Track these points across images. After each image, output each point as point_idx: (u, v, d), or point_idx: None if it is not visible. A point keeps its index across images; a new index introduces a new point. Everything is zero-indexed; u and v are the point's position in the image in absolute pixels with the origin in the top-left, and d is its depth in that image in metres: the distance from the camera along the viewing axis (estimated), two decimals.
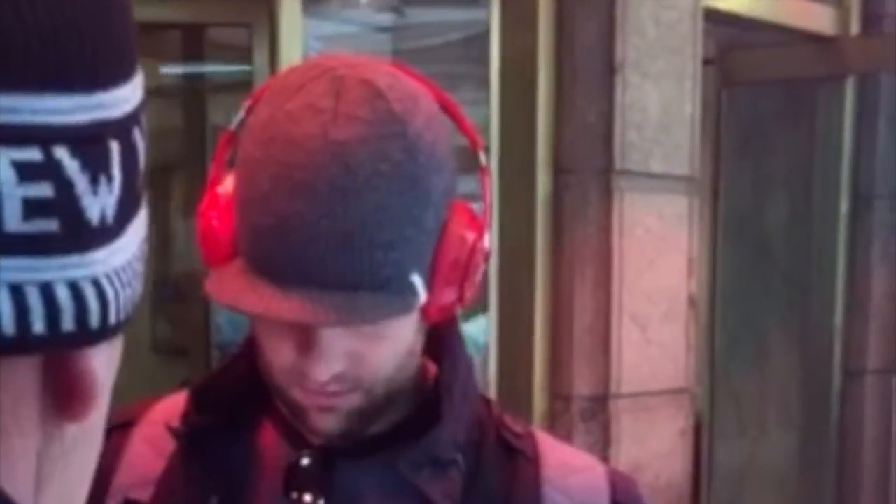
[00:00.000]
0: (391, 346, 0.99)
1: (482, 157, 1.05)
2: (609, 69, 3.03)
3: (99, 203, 0.41)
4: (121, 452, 1.11)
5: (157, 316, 4.91)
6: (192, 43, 4.33)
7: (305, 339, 0.96)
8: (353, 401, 1.00)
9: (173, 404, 1.11)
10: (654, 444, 3.22)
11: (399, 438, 1.04)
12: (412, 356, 1.04)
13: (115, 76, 0.42)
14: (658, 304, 3.19)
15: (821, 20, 4.11)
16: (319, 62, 0.97)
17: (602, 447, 3.12)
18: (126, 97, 0.43)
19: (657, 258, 3.17)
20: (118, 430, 1.13)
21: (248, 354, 1.05)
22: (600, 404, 3.11)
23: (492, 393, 3.20)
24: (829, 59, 4.15)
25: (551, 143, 3.10)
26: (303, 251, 0.91)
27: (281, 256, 0.92)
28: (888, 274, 4.35)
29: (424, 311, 0.99)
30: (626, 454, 3.14)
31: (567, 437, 3.11)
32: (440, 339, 1.09)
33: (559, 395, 3.14)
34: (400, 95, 0.95)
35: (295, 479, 1.05)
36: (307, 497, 1.04)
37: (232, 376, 1.08)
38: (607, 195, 3.06)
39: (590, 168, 3.07)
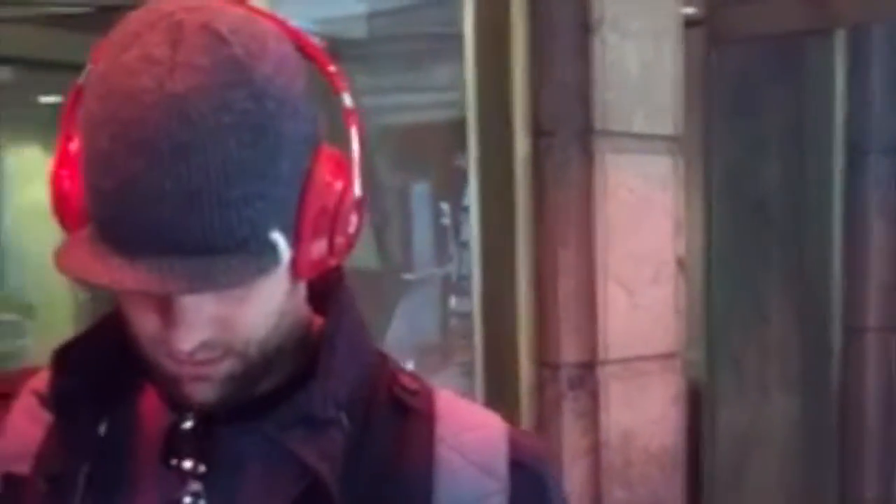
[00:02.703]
0: (259, 308, 0.93)
1: (346, 100, 0.97)
2: (585, 28, 2.96)
3: None
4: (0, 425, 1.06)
5: None
6: None
7: (165, 307, 0.90)
8: (227, 367, 0.94)
9: None
10: (646, 411, 3.17)
11: (282, 399, 0.98)
12: (286, 315, 0.97)
13: None
14: (645, 267, 3.13)
15: None
16: (157, 7, 0.89)
17: (591, 415, 3.07)
18: None
19: (642, 220, 3.10)
20: None
21: (116, 317, 0.99)
22: (588, 371, 3.06)
23: (478, 363, 3.16)
24: (818, 12, 4.07)
25: (529, 105, 3.03)
26: (148, 215, 0.84)
27: (125, 221, 0.85)
28: (886, 229, 4.29)
29: (294, 267, 0.92)
30: (617, 421, 3.09)
31: (556, 406, 3.07)
32: (326, 292, 1.03)
33: (546, 363, 3.09)
34: (245, 39, 0.88)
35: (174, 445, 0.99)
36: (187, 464, 0.99)
37: (98, 338, 1.02)
38: (588, 157, 2.99)
39: (569, 129, 3.00)
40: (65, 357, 1.01)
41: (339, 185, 0.93)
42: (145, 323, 0.93)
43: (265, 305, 0.93)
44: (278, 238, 0.88)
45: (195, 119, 0.84)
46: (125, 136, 0.84)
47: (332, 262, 0.95)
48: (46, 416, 1.02)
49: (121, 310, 0.96)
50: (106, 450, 1.01)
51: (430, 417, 1.04)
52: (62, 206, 0.94)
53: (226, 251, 0.86)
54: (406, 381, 1.06)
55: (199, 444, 0.99)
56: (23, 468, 1.03)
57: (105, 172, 0.86)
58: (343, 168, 0.94)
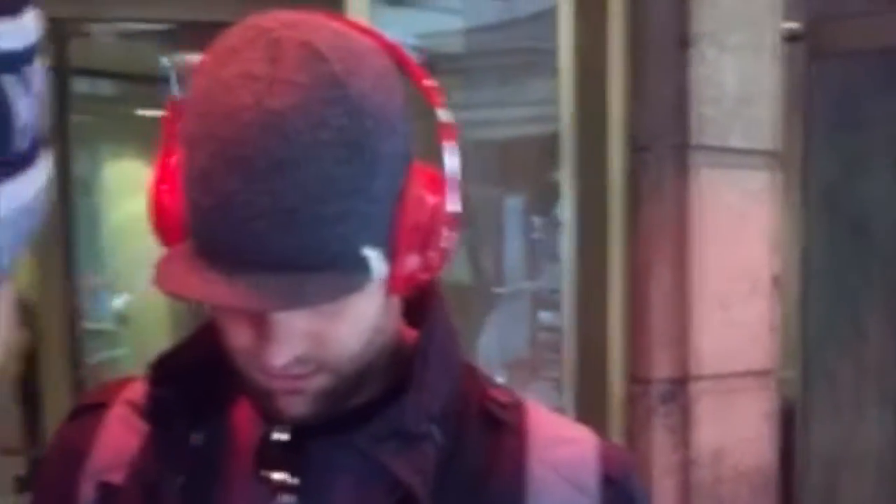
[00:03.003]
0: (352, 324, 0.93)
1: (441, 115, 0.97)
2: (683, 42, 2.94)
3: None
4: (95, 434, 1.08)
5: None
6: None
7: (259, 322, 0.91)
8: (320, 382, 0.95)
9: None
10: (738, 428, 3.13)
11: (375, 412, 0.99)
12: (380, 332, 0.98)
13: None
14: (740, 283, 3.09)
15: None
16: (257, 23, 0.89)
17: (682, 431, 3.04)
18: None
19: (738, 236, 3.07)
20: (91, 410, 1.10)
21: (212, 329, 1.00)
22: (680, 387, 3.03)
23: (568, 377, 3.15)
24: None
25: (625, 120, 3.02)
26: (244, 232, 0.85)
27: (223, 238, 0.86)
28: None
29: (387, 283, 0.93)
30: (708, 438, 3.06)
31: (646, 421, 3.04)
32: (420, 306, 1.03)
33: (637, 378, 3.07)
34: (342, 55, 0.88)
35: (267, 457, 1.00)
36: (279, 476, 1.00)
37: (194, 350, 1.03)
38: (684, 172, 2.97)
39: (666, 144, 2.98)
40: (161, 368, 1.02)
41: (432, 200, 0.93)
42: (239, 337, 0.93)
43: (358, 321, 0.94)
44: (371, 254, 0.89)
45: (292, 136, 0.84)
46: (223, 153, 0.84)
47: (426, 277, 0.95)
48: (142, 426, 1.03)
49: (215, 322, 0.97)
50: (200, 460, 1.02)
51: (522, 432, 1.04)
52: (161, 221, 0.95)
53: (320, 268, 0.86)
54: (497, 394, 1.06)
55: (291, 457, 1.00)
56: (118, 478, 1.04)
57: (204, 189, 0.86)
58: (437, 183, 0.94)
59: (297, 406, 0.96)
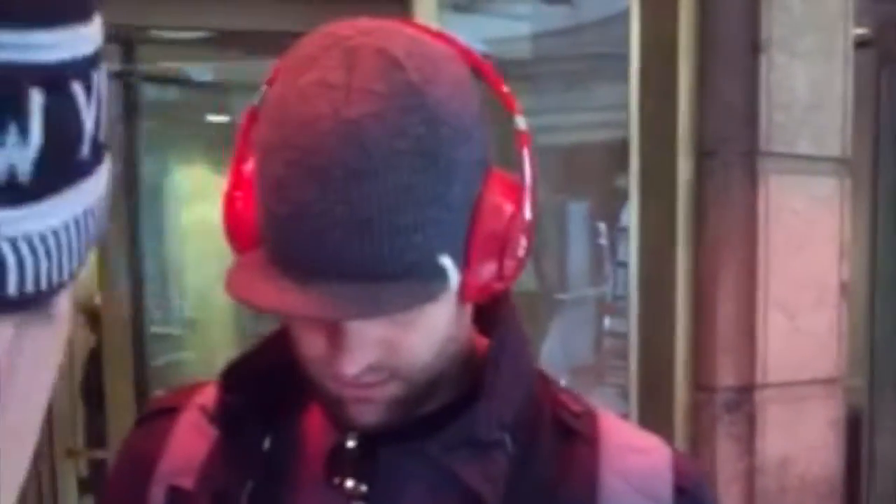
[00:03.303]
0: (426, 333, 0.93)
1: (519, 122, 0.96)
2: (753, 47, 2.92)
3: (4, 157, 0.37)
4: (166, 438, 1.08)
5: None
6: None
7: (332, 331, 0.91)
8: (392, 391, 0.94)
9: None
10: (804, 437, 3.11)
11: (446, 420, 0.98)
12: (453, 341, 0.97)
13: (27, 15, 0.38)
14: (807, 290, 3.07)
15: None
16: (333, 31, 0.89)
17: (747, 439, 3.02)
18: (53, 42, 0.39)
19: (806, 243, 3.05)
20: (163, 415, 1.11)
21: (284, 335, 1.00)
22: (746, 395, 3.01)
23: (633, 384, 3.14)
24: None
25: (693, 126, 3.01)
26: (319, 241, 0.85)
27: (297, 247, 0.86)
28: None
29: (462, 292, 0.92)
30: (773, 446, 3.04)
31: (711, 430, 3.03)
32: (491, 313, 1.02)
33: (702, 386, 3.05)
34: (419, 63, 0.87)
35: (337, 464, 1.00)
36: (349, 483, 0.99)
37: (266, 356, 1.03)
38: (752, 178, 2.95)
39: (734, 150, 2.97)
40: (233, 374, 1.03)
41: (509, 208, 0.92)
42: (311, 345, 0.93)
43: (432, 330, 0.93)
44: (447, 263, 0.88)
45: (369, 146, 0.83)
46: (299, 162, 0.84)
47: (500, 286, 0.94)
48: (212, 432, 1.04)
49: (287, 329, 0.97)
50: (270, 467, 1.02)
51: (594, 441, 1.03)
52: (234, 228, 0.95)
53: (395, 277, 0.86)
54: (569, 402, 1.05)
55: (361, 464, 0.99)
56: (187, 482, 1.05)
57: (279, 198, 0.86)
58: (513, 191, 0.93)
59: (368, 414, 0.95)
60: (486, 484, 0.96)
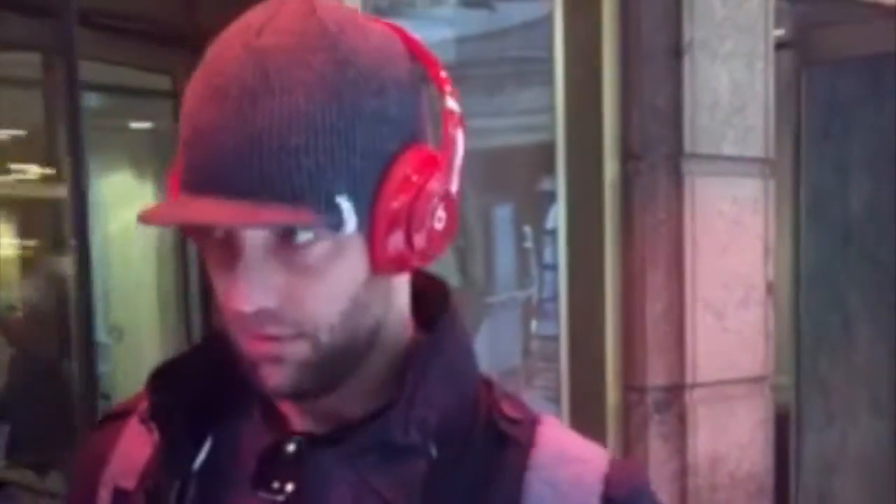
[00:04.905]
0: (327, 286, 0.91)
1: (449, 103, 0.95)
2: (676, 51, 2.95)
3: None
4: (115, 442, 1.08)
5: None
6: None
7: (232, 266, 0.90)
8: (299, 350, 0.92)
9: None
10: (733, 435, 3.14)
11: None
12: (364, 310, 0.94)
13: None
14: (734, 290, 3.10)
15: None
16: None
17: (678, 438, 3.04)
18: None
19: (732, 243, 3.08)
20: (114, 419, 1.10)
21: (219, 336, 0.98)
22: (675, 395, 3.04)
23: (563, 386, 3.15)
24: None
25: (619, 128, 3.03)
26: (212, 156, 0.86)
27: (194, 164, 0.87)
28: None
29: (371, 258, 0.91)
30: (704, 445, 3.07)
31: (642, 429, 3.05)
32: (429, 311, 1.01)
33: (633, 386, 3.07)
34: (340, 18, 0.90)
35: (267, 466, 0.98)
36: (275, 484, 0.97)
37: (198, 358, 1.02)
38: (678, 180, 2.98)
39: (659, 152, 2.99)
40: (163, 374, 1.02)
41: (418, 178, 0.91)
42: (220, 288, 0.92)
43: (335, 285, 0.91)
44: (344, 205, 0.87)
45: (270, 70, 0.86)
46: (205, 88, 0.87)
47: (413, 260, 0.93)
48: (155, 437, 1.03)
49: (224, 331, 0.96)
50: (205, 469, 1.01)
51: (527, 448, 0.99)
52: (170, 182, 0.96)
53: (284, 199, 0.86)
54: (508, 409, 1.02)
55: (291, 465, 0.98)
56: (129, 483, 1.05)
57: (185, 125, 0.88)
58: (431, 165, 0.92)
59: (277, 376, 0.93)
60: (399, 490, 0.94)
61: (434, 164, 0.92)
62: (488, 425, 1.00)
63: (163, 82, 5.58)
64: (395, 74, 0.91)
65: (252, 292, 0.89)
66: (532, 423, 1.02)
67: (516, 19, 3.98)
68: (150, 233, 6.08)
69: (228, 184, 0.86)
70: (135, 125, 6.32)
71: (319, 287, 0.91)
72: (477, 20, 4.20)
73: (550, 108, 3.08)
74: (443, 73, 0.97)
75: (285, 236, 0.89)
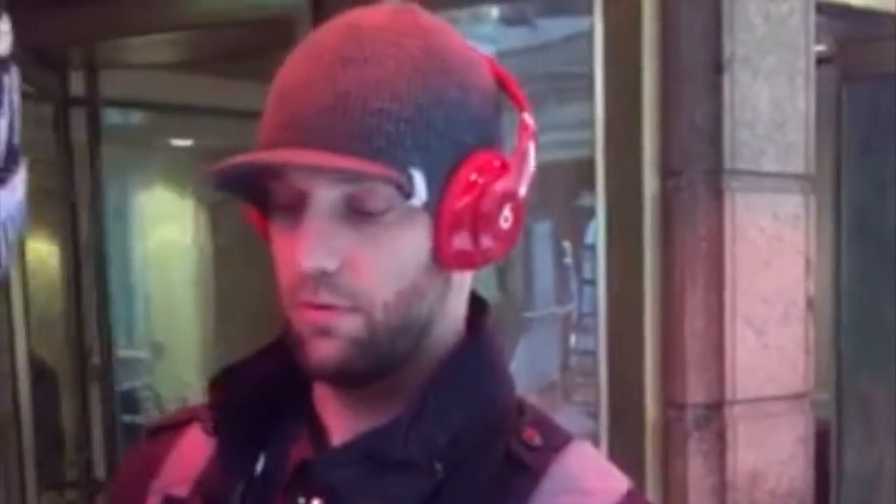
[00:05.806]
0: (389, 260, 0.91)
1: (526, 117, 0.98)
2: (716, 67, 2.95)
3: None
4: (167, 452, 1.08)
5: None
6: None
7: (298, 226, 0.91)
8: (351, 325, 0.92)
9: None
10: (773, 452, 3.12)
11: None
12: (418, 294, 0.94)
13: None
14: (774, 306, 3.09)
15: None
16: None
17: (718, 455, 3.03)
18: None
19: (772, 259, 3.07)
20: (166, 431, 1.11)
21: (279, 345, 0.99)
22: (715, 411, 3.03)
23: (602, 402, 3.14)
24: None
25: (658, 144, 3.03)
26: (297, 110, 0.90)
27: (277, 121, 0.91)
28: None
29: (436, 250, 0.92)
30: (744, 462, 3.05)
31: (681, 446, 3.04)
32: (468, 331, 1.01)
33: (672, 403, 3.06)
34: (433, 22, 0.96)
35: (297, 481, 0.98)
36: (301, 500, 0.98)
37: (259, 363, 1.03)
38: (717, 196, 2.97)
39: (699, 168, 2.99)
40: (224, 377, 1.02)
41: (490, 177, 0.93)
42: (285, 261, 0.93)
43: (396, 261, 0.92)
44: (419, 178, 0.90)
45: (364, 41, 0.90)
46: (300, 56, 0.93)
47: (479, 260, 0.94)
48: (212, 446, 1.03)
49: (284, 333, 0.97)
50: (260, 479, 1.02)
51: (538, 475, 0.97)
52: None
53: (361, 155, 0.88)
54: (530, 434, 0.99)
55: (318, 482, 0.96)
56: (182, 491, 1.05)
57: (275, 89, 0.93)
58: (503, 168, 0.94)
59: (324, 349, 0.92)
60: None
61: (506, 167, 0.94)
62: (507, 451, 0.98)
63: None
64: (478, 79, 0.95)
65: (315, 248, 0.90)
66: (553, 449, 0.99)
67: (556, 35, 3.99)
68: (189, 250, 6.12)
69: (309, 135, 0.89)
70: (176, 142, 6.36)
71: (381, 259, 0.91)
72: (517, 36, 4.21)
73: (590, 124, 3.08)
74: (520, 92, 1.00)
75: (355, 203, 0.90)
